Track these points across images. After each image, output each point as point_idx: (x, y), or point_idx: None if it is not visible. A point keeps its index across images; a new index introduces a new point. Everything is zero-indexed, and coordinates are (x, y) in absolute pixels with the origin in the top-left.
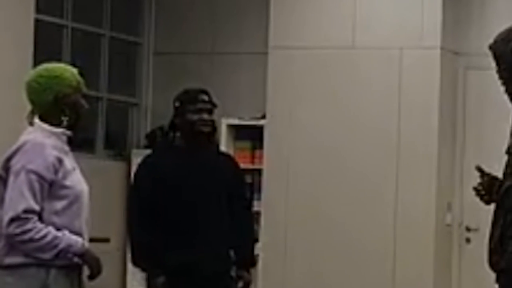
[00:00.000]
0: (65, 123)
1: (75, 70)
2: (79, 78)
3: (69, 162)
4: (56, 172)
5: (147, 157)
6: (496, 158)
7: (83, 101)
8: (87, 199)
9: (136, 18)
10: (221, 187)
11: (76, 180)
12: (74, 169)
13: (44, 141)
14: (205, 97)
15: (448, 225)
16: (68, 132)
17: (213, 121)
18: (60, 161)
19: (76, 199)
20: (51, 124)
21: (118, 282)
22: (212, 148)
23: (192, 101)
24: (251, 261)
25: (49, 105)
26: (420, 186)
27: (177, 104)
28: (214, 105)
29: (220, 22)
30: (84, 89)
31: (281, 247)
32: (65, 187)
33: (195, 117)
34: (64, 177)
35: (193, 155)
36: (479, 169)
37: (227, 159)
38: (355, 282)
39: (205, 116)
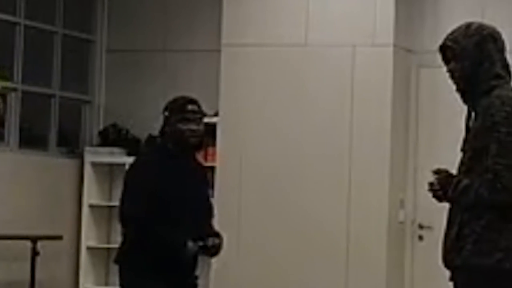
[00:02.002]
0: None
1: None
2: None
3: None
4: None
5: (145, 162)
6: (448, 156)
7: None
8: None
9: (89, 15)
10: (207, 195)
11: None
12: None
13: None
14: (194, 107)
15: (401, 222)
16: None
17: (201, 132)
18: None
19: None
20: None
21: (70, 279)
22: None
23: (181, 111)
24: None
25: None
26: (373, 183)
27: (166, 113)
28: (204, 115)
29: (172, 19)
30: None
31: (234, 244)
32: None
33: (184, 127)
34: None
35: (184, 163)
36: (435, 172)
37: (202, 168)
38: (308, 277)
39: (194, 126)
